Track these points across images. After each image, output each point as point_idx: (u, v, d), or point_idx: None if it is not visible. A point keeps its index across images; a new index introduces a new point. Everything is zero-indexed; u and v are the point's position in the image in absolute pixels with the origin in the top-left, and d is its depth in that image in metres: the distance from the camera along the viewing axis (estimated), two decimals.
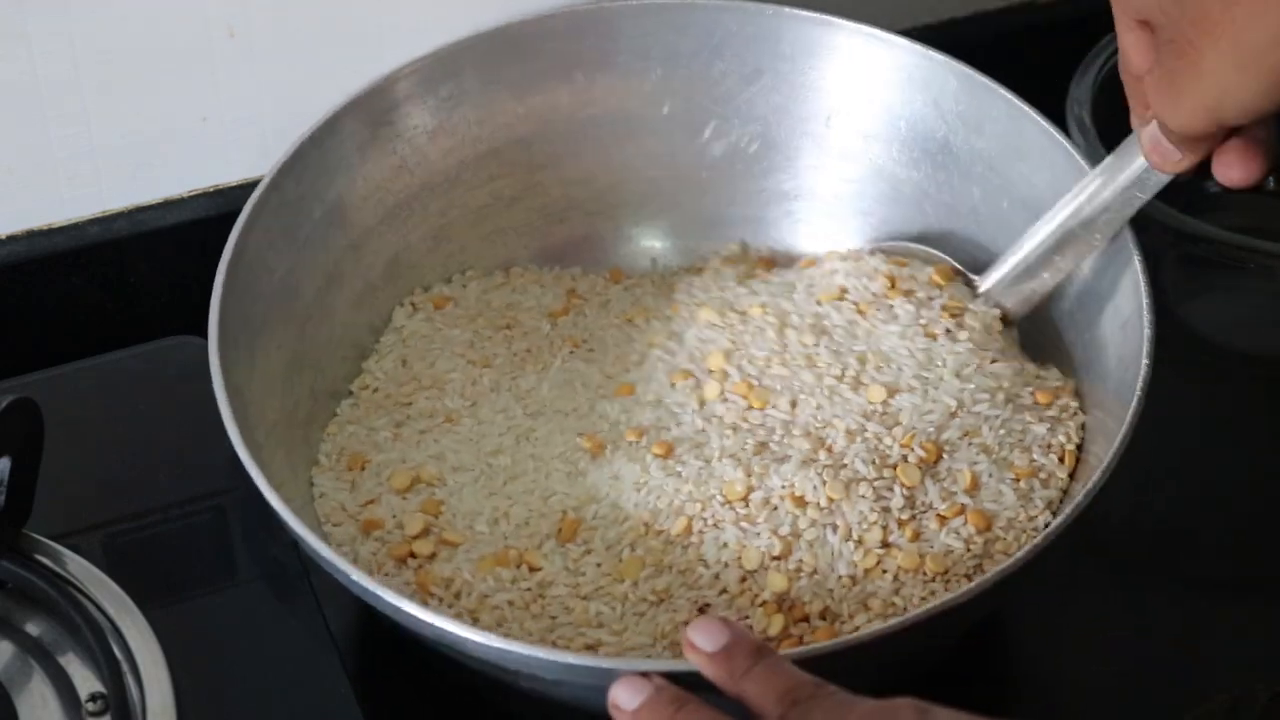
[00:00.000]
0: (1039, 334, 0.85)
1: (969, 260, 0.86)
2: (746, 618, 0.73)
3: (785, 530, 0.75)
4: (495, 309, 0.89)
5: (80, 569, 0.74)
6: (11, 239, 0.90)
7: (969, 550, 0.75)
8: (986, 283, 0.84)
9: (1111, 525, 0.87)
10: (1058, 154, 0.83)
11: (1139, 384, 0.74)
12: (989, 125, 0.87)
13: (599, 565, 0.76)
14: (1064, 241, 0.81)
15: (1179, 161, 0.74)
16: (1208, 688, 0.80)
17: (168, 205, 0.92)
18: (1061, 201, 0.80)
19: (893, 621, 0.68)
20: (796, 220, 0.93)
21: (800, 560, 0.75)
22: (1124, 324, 0.78)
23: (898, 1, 1.00)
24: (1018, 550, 0.74)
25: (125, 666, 0.71)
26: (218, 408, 0.73)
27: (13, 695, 0.71)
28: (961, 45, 0.90)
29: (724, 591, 0.75)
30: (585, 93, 0.91)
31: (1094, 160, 0.81)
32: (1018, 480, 0.77)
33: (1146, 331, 0.76)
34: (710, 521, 0.76)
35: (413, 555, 0.77)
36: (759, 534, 0.75)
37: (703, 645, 0.64)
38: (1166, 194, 0.79)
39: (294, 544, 0.78)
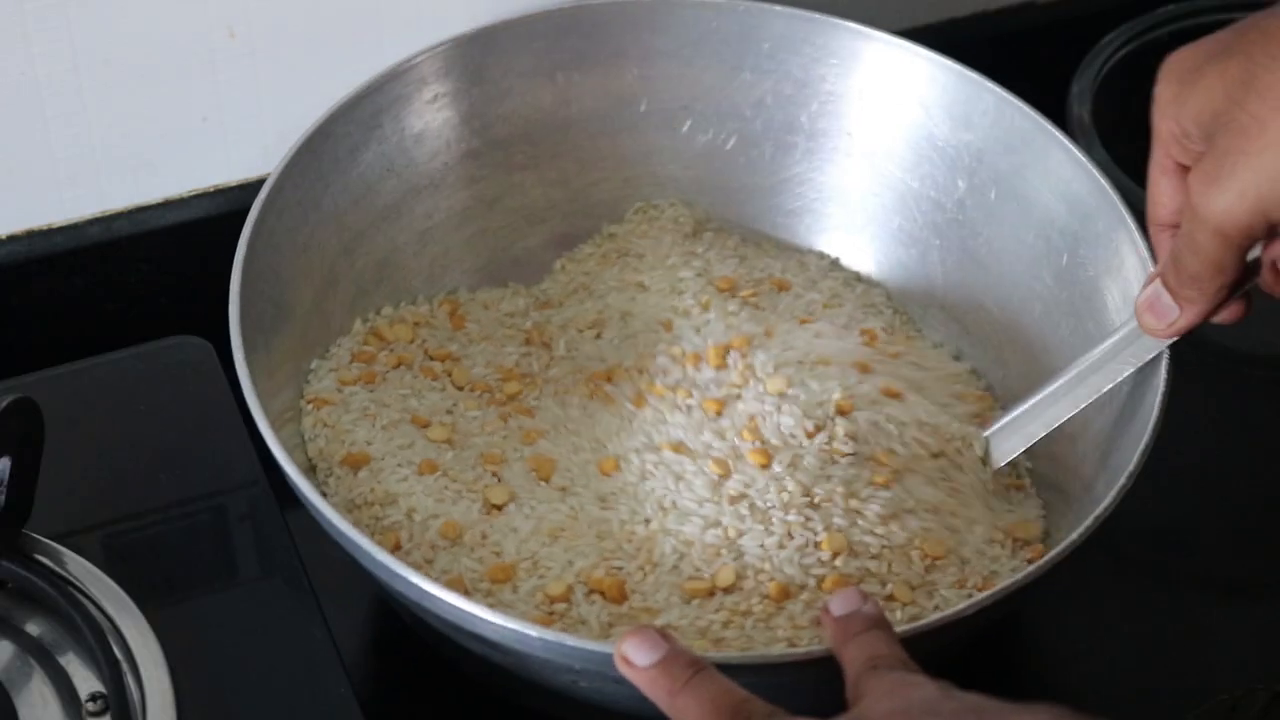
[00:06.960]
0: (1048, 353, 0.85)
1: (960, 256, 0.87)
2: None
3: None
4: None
5: (80, 569, 0.74)
6: (11, 239, 0.90)
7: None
8: (993, 428, 0.81)
9: (1112, 525, 0.86)
10: (1048, 142, 0.84)
11: (1159, 394, 0.75)
12: (977, 119, 0.87)
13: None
14: (1063, 395, 0.78)
15: (1172, 323, 0.71)
16: (1208, 688, 0.80)
17: (168, 205, 0.92)
18: (1071, 366, 0.79)
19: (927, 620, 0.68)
20: (779, 216, 0.94)
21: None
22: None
23: (898, 1, 1.00)
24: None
25: (125, 666, 0.71)
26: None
27: (13, 695, 0.71)
28: (961, 45, 0.90)
29: None
30: (565, 92, 0.91)
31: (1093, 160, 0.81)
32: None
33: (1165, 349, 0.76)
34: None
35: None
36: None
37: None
38: None
39: (293, 544, 0.78)
